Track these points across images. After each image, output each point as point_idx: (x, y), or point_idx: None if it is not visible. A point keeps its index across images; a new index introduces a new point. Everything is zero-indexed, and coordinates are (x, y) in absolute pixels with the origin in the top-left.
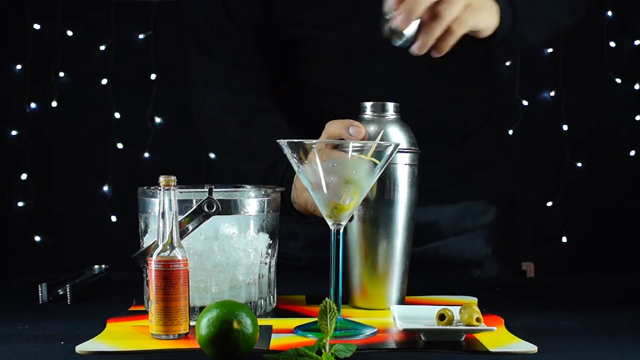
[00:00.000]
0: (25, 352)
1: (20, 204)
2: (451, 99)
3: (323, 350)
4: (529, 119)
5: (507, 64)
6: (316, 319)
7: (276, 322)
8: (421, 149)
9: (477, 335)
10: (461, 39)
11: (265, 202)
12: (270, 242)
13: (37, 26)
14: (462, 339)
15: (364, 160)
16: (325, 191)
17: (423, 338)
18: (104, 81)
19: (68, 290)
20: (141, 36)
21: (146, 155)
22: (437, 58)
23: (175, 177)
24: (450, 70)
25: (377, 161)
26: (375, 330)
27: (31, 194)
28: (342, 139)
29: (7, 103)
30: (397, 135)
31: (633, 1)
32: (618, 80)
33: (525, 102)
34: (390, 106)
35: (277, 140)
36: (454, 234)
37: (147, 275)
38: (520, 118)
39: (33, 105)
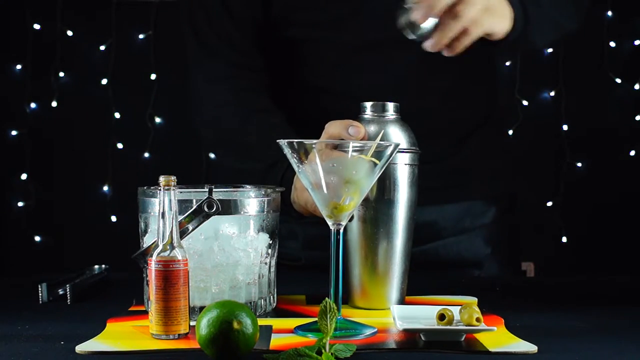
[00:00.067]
0: (25, 352)
1: (20, 204)
2: (451, 99)
3: (323, 350)
4: (529, 119)
5: (507, 64)
6: (316, 319)
7: (276, 322)
8: (421, 149)
9: (477, 335)
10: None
11: (265, 202)
12: (270, 242)
13: (37, 26)
14: (462, 339)
15: (364, 160)
16: (325, 191)
17: (423, 338)
18: (104, 81)
19: (68, 290)
20: (141, 36)
21: (146, 155)
22: (437, 58)
23: (175, 177)
24: (451, 70)
25: (377, 161)
26: (375, 330)
27: (31, 194)
28: (342, 139)
29: (7, 103)
30: (397, 135)
31: (633, 1)
32: (618, 80)
33: (525, 102)
34: (390, 106)
35: (277, 141)
36: (453, 234)
37: (147, 275)
38: (520, 118)
39: (33, 105)
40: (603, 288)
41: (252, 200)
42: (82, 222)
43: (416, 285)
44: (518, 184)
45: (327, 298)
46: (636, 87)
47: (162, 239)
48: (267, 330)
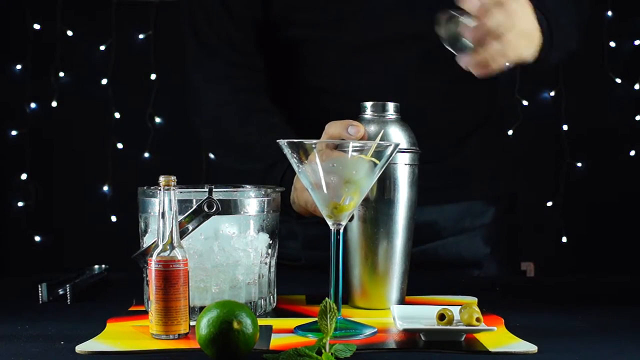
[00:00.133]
0: (25, 352)
1: (20, 204)
2: (451, 99)
3: (323, 350)
4: (529, 119)
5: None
6: (316, 319)
7: (276, 322)
8: (421, 149)
9: (477, 335)
10: None
11: (265, 202)
12: (270, 242)
13: (37, 26)
14: (462, 339)
15: (364, 160)
16: (325, 191)
17: (423, 338)
18: (104, 81)
19: (68, 290)
20: (141, 36)
21: (146, 155)
22: (437, 58)
23: (175, 177)
24: (450, 70)
25: (377, 161)
26: (375, 330)
27: (31, 194)
28: (342, 139)
29: (7, 103)
30: (397, 135)
31: (633, 1)
32: (618, 80)
33: (525, 102)
34: (390, 106)
35: (277, 141)
36: (453, 234)
37: (147, 275)
38: (520, 118)
39: (33, 105)
40: (603, 288)
41: (252, 200)
42: (82, 222)
43: (416, 285)
44: (518, 184)
45: (327, 298)
46: (636, 87)
47: (162, 239)
48: (267, 330)
